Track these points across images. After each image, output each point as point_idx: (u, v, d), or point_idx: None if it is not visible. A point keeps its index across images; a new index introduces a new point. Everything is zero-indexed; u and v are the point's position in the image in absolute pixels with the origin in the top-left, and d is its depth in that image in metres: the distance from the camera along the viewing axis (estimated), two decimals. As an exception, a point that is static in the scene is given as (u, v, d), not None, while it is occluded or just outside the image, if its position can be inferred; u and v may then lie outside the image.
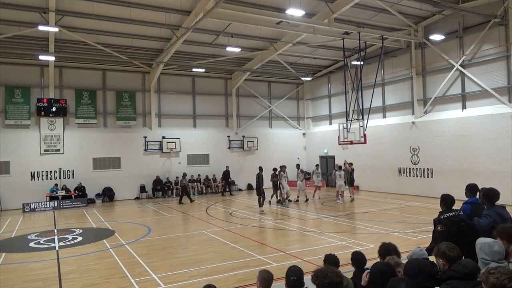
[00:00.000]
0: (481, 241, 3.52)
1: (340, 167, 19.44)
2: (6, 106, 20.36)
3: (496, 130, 16.59)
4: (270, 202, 18.53)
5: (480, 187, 5.74)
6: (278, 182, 18.11)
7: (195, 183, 24.33)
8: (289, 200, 18.42)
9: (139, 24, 17.43)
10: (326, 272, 3.05)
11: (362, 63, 20.46)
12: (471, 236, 4.96)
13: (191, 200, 20.71)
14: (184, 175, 21.44)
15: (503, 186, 15.07)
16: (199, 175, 24.81)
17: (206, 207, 18.55)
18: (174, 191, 23.73)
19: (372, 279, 3.59)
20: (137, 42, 19.84)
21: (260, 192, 16.68)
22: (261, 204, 16.63)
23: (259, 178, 16.95)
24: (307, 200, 19.07)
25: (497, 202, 5.24)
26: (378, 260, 4.56)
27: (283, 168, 18.10)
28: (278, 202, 18.53)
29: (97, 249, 10.83)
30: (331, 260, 4.54)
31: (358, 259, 4.47)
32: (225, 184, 24.41)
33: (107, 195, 22.16)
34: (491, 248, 3.41)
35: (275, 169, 18.59)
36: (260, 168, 17.40)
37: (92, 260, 9.61)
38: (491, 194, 5.19)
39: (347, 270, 4.92)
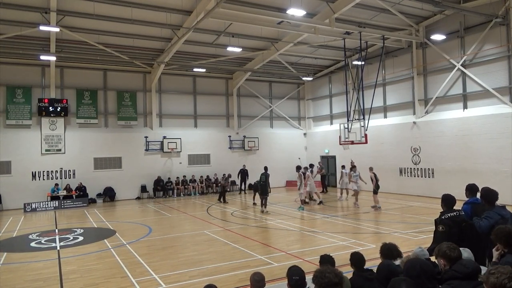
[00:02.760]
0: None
1: (343, 166, 20.03)
2: (8, 106, 20.40)
3: (498, 130, 16.57)
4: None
5: (480, 187, 5.73)
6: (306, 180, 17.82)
7: (196, 183, 24.41)
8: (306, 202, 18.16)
9: (140, 24, 17.44)
10: (325, 272, 3.07)
11: (363, 63, 20.45)
12: (472, 236, 4.97)
13: (224, 201, 20.21)
14: (229, 175, 22.32)
15: (504, 186, 15.08)
16: (201, 176, 24.90)
17: (207, 207, 18.56)
18: (175, 191, 23.80)
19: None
20: (138, 42, 19.85)
21: (267, 192, 16.39)
22: (265, 204, 16.31)
23: (266, 178, 16.57)
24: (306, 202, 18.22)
25: (497, 202, 5.23)
26: (380, 260, 4.56)
27: (307, 168, 17.91)
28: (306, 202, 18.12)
29: (98, 249, 10.84)
30: (326, 261, 4.55)
31: (357, 259, 4.47)
32: (241, 183, 24.83)
33: (108, 195, 22.18)
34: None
35: (311, 165, 19.48)
36: (266, 168, 17.23)
37: (93, 260, 9.62)
38: (490, 195, 5.18)
39: (347, 270, 4.92)
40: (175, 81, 24.91)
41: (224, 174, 23.37)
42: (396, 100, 22.18)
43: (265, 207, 16.28)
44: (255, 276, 4.13)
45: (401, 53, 21.66)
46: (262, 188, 16.55)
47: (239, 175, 24.84)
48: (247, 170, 24.88)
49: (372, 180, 16.23)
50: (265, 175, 16.63)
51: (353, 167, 18.13)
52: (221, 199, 20.33)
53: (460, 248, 3.70)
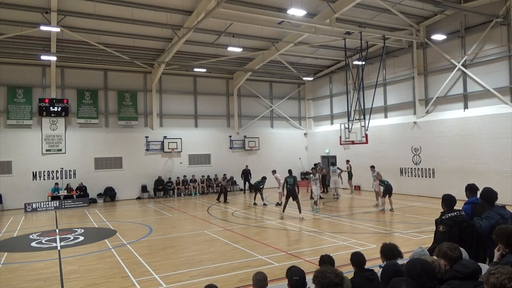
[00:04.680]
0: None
1: (333, 164, 21.35)
2: (8, 106, 20.41)
3: (498, 130, 16.55)
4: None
5: (482, 187, 5.72)
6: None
7: (196, 183, 24.44)
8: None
9: (140, 24, 17.44)
10: (326, 272, 3.06)
11: (363, 63, 20.41)
12: (473, 237, 4.96)
13: (225, 201, 20.13)
14: (230, 177, 22.37)
15: (505, 186, 15.06)
16: (203, 176, 24.93)
17: (208, 207, 18.57)
18: (176, 191, 23.82)
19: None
20: (139, 42, 19.86)
21: (295, 196, 14.80)
22: (300, 210, 14.73)
23: (294, 181, 15.00)
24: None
25: (498, 202, 5.22)
26: (380, 260, 4.56)
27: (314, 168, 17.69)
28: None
29: (98, 249, 10.85)
30: (326, 261, 4.55)
31: (357, 259, 4.47)
32: (245, 182, 24.97)
33: (109, 195, 22.20)
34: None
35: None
36: (290, 171, 15.81)
37: (94, 260, 9.63)
38: (489, 195, 5.18)
39: (348, 271, 4.92)
40: (175, 81, 24.92)
41: (224, 174, 23.41)
42: (396, 100, 22.17)
43: (300, 212, 14.68)
44: (257, 275, 4.13)
45: (402, 53, 21.64)
46: (291, 192, 14.90)
47: (242, 175, 24.91)
48: (249, 170, 24.95)
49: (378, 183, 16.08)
50: (292, 178, 15.08)
51: (371, 167, 17.75)
52: (219, 199, 20.36)
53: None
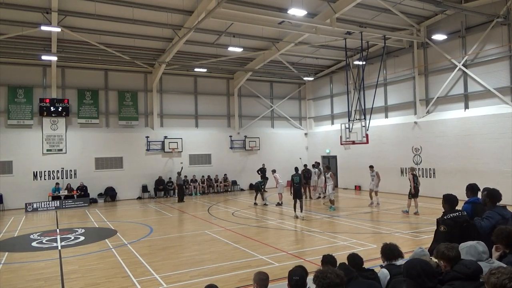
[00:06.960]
0: (465, 245, 3.73)
1: (314, 165, 21.43)
2: (9, 106, 20.43)
3: (499, 130, 16.54)
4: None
5: (482, 187, 5.73)
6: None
7: (197, 183, 24.42)
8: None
9: (141, 24, 17.45)
10: (326, 273, 3.06)
11: (364, 63, 20.40)
12: (473, 237, 4.96)
13: (181, 200, 20.85)
14: (179, 174, 21.71)
15: (506, 186, 15.00)
16: (203, 176, 24.92)
17: (208, 207, 18.57)
18: (176, 191, 23.81)
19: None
20: (139, 42, 19.86)
21: (301, 195, 14.93)
22: (301, 208, 14.89)
23: (300, 179, 14.93)
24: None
25: (498, 203, 5.24)
26: (381, 260, 4.56)
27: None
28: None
29: (99, 248, 10.86)
30: (328, 261, 4.55)
31: (352, 261, 4.46)
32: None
33: (109, 194, 22.21)
34: (476, 249, 3.65)
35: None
36: (297, 169, 15.79)
37: (94, 260, 9.64)
38: (495, 195, 5.21)
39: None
40: (176, 81, 24.92)
41: (179, 172, 22.15)
42: (397, 100, 22.16)
43: (302, 211, 14.91)
44: (260, 275, 4.11)
45: (402, 53, 21.63)
46: (297, 190, 14.76)
47: (262, 173, 24.81)
48: (265, 169, 24.65)
49: (410, 182, 14.92)
50: (298, 176, 14.95)
51: (370, 167, 17.75)
52: (180, 199, 20.70)
53: (475, 242, 3.75)
